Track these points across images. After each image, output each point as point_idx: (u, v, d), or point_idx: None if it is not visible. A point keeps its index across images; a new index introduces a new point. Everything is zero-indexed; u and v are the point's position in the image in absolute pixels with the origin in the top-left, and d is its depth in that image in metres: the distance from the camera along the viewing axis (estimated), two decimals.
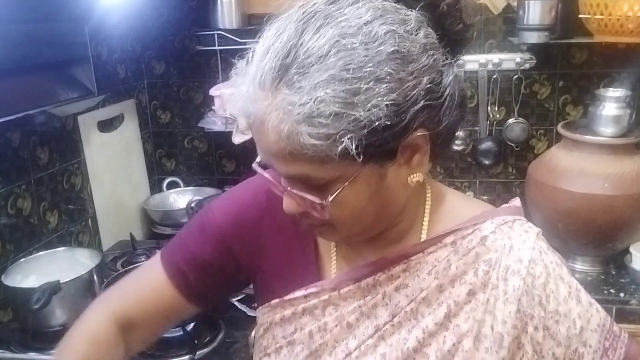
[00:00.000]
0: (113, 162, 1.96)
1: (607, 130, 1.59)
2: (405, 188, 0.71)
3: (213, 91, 2.00)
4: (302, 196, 0.67)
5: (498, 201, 2.04)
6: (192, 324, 1.32)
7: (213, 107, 2.02)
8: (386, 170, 0.67)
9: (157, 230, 2.07)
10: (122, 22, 1.96)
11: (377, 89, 0.61)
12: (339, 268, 0.81)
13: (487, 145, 1.97)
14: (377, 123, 0.61)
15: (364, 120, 0.60)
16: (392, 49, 0.62)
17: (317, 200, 0.66)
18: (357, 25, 0.62)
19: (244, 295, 1.46)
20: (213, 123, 2.02)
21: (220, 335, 1.33)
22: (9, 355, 1.29)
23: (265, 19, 0.72)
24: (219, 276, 0.84)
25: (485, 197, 2.06)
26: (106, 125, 1.93)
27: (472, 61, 1.91)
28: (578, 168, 1.59)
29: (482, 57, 1.90)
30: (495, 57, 1.89)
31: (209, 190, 2.13)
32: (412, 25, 0.64)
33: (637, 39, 1.64)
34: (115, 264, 1.69)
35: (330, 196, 0.65)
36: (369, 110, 0.60)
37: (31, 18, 1.36)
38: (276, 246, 0.83)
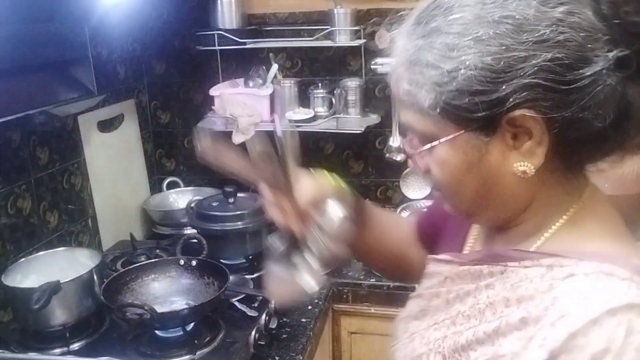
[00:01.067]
0: (113, 162, 1.96)
1: None
2: (515, 176, 0.64)
3: (213, 91, 2.01)
4: (408, 141, 0.71)
5: None
6: (192, 324, 1.32)
7: (213, 107, 2.02)
8: (487, 146, 0.63)
9: (157, 230, 2.07)
10: (122, 22, 1.95)
11: (474, 49, 0.59)
12: (472, 247, 0.82)
13: None
14: (466, 84, 0.60)
15: (453, 77, 0.60)
16: (507, 13, 0.59)
17: (413, 148, 0.69)
18: None
19: (244, 295, 1.47)
20: (213, 123, 2.02)
21: (220, 335, 1.33)
22: (9, 355, 1.29)
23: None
24: None
25: None
26: (106, 125, 1.93)
27: None
28: None
29: None
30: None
31: (209, 190, 2.13)
32: None
33: None
34: (115, 264, 1.69)
35: (424, 147, 0.67)
36: (460, 68, 0.60)
37: (31, 18, 1.36)
38: None
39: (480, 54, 0.59)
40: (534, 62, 0.58)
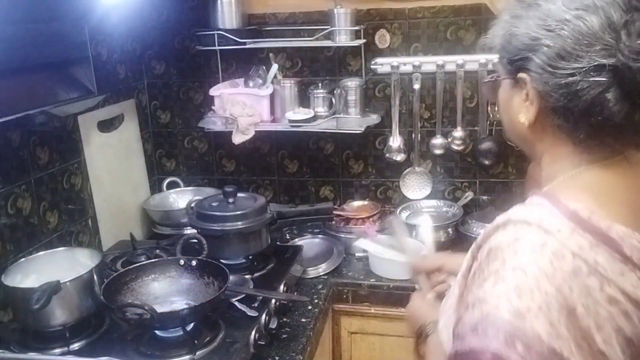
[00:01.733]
0: (113, 162, 1.96)
1: None
2: (523, 125, 0.83)
3: (213, 91, 2.01)
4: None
5: (498, 201, 2.05)
6: (192, 324, 1.32)
7: (213, 107, 2.02)
8: (513, 94, 0.84)
9: (157, 230, 2.07)
10: (122, 22, 1.96)
11: (514, 23, 0.81)
12: None
13: (487, 145, 1.97)
14: (506, 45, 0.83)
15: (504, 38, 0.83)
16: (539, 2, 0.78)
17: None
18: None
19: (244, 295, 1.47)
20: (213, 123, 2.02)
21: (220, 335, 1.33)
22: (9, 355, 1.29)
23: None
24: None
25: (485, 197, 2.07)
26: (106, 125, 1.93)
27: (472, 61, 1.91)
28: None
29: (482, 57, 1.90)
30: (495, 57, 1.88)
31: (209, 190, 2.13)
32: None
33: None
34: (115, 264, 1.68)
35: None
36: (507, 34, 0.83)
37: (31, 18, 1.36)
38: None
39: (516, 28, 0.80)
40: (539, 42, 0.76)
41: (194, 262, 1.48)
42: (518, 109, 0.83)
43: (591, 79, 0.72)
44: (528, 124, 0.82)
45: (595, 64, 0.71)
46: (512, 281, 0.69)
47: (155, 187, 2.25)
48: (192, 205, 1.74)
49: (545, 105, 0.78)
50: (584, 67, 0.72)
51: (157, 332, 1.32)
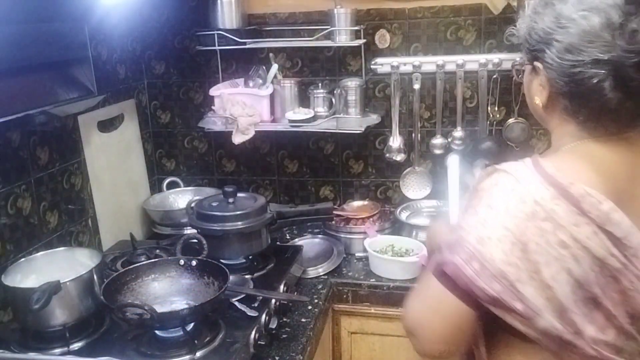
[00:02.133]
0: (113, 162, 1.96)
1: None
2: (539, 106, 0.97)
3: (213, 91, 2.01)
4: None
5: None
6: (192, 324, 1.32)
7: (213, 107, 2.02)
8: (532, 79, 0.98)
9: (157, 230, 2.07)
10: (122, 22, 1.96)
11: (529, 12, 0.96)
12: None
13: (487, 145, 1.97)
14: (527, 37, 0.96)
15: (526, 31, 0.96)
16: (554, 1, 0.91)
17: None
18: None
19: (244, 295, 1.47)
20: (213, 123, 2.02)
21: (220, 335, 1.33)
22: (9, 355, 1.29)
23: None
24: None
25: None
26: (106, 125, 1.93)
27: (472, 61, 1.91)
28: None
29: (482, 57, 1.90)
30: (495, 57, 1.89)
31: (209, 190, 2.13)
32: None
33: None
34: (115, 264, 1.68)
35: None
36: (527, 29, 0.96)
37: (31, 18, 1.36)
38: None
39: (535, 23, 0.93)
40: (552, 37, 0.90)
41: (194, 262, 1.47)
42: (535, 92, 0.97)
43: (591, 70, 0.85)
44: (542, 105, 0.96)
45: (595, 57, 0.84)
46: (482, 215, 0.87)
47: (155, 187, 2.25)
48: (192, 205, 1.74)
49: (554, 90, 0.92)
50: (585, 60, 0.85)
51: (157, 332, 1.32)
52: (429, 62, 1.95)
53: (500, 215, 0.84)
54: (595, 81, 0.85)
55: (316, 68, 2.09)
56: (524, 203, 0.83)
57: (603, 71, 0.84)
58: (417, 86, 1.97)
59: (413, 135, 2.03)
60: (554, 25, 0.89)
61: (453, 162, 1.43)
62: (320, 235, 2.01)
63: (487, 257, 0.83)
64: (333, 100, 1.98)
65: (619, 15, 0.83)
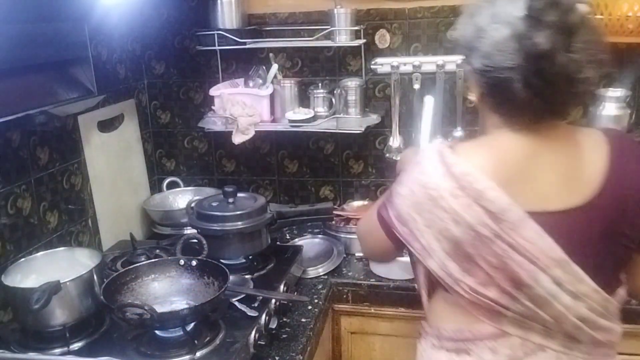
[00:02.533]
0: (113, 162, 1.96)
1: None
2: (474, 102, 1.13)
3: (213, 91, 2.01)
4: None
5: None
6: (192, 324, 1.32)
7: (213, 107, 2.02)
8: (468, 77, 1.12)
9: (157, 230, 2.07)
10: (122, 22, 1.96)
11: (463, 19, 1.08)
12: None
13: None
14: (460, 39, 1.08)
15: (458, 33, 1.09)
16: (493, 9, 1.02)
17: None
18: None
19: (244, 295, 1.47)
20: (213, 123, 2.02)
21: (220, 335, 1.33)
22: (9, 355, 1.29)
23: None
24: None
25: None
26: (106, 125, 1.94)
27: None
28: None
29: None
30: None
31: (209, 190, 2.13)
32: None
33: (637, 39, 1.64)
34: (115, 264, 1.69)
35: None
36: (458, 28, 1.09)
37: (31, 18, 1.36)
38: None
39: (464, 30, 1.06)
40: (473, 44, 1.03)
41: (194, 262, 1.48)
42: (471, 90, 1.12)
43: (503, 74, 0.99)
44: (476, 101, 1.12)
45: (505, 64, 0.98)
46: (403, 175, 1.11)
47: (155, 187, 2.25)
48: (192, 205, 1.74)
49: (480, 89, 1.08)
50: (497, 66, 0.99)
51: (157, 332, 1.32)
52: (429, 62, 1.95)
53: (409, 180, 1.07)
54: (507, 83, 0.99)
55: (316, 68, 2.09)
56: (423, 174, 1.05)
57: (511, 76, 0.98)
58: (417, 86, 1.97)
59: (413, 135, 2.03)
60: (474, 35, 1.02)
61: (429, 101, 1.70)
62: (320, 235, 2.01)
63: (397, 207, 1.09)
64: (333, 100, 1.98)
65: (525, 27, 0.96)
